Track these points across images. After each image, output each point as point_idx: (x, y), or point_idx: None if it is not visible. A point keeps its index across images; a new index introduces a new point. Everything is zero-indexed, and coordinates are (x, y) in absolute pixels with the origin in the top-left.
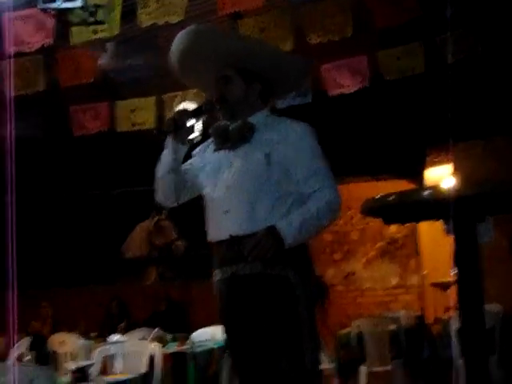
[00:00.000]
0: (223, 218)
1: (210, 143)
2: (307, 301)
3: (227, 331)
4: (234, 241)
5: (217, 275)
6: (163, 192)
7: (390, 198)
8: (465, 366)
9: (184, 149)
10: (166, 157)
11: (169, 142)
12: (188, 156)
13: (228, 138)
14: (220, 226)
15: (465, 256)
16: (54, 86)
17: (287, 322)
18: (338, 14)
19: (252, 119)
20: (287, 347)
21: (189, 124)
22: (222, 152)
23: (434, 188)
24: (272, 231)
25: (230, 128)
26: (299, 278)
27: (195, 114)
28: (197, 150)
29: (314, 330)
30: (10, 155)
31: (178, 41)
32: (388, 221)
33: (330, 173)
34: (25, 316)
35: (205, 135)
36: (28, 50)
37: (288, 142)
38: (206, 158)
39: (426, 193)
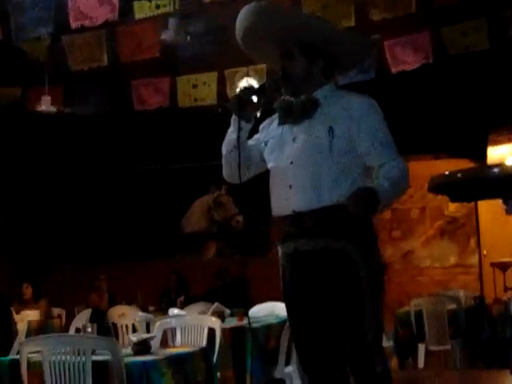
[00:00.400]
0: (287, 192)
1: (274, 119)
2: (370, 278)
3: (289, 307)
4: (297, 216)
5: (280, 250)
6: (229, 169)
7: (458, 175)
8: None
9: (248, 126)
10: (231, 134)
11: (233, 119)
12: (254, 131)
13: (292, 113)
14: (284, 201)
15: None
16: (116, 61)
17: (348, 298)
18: None
19: (315, 94)
20: (349, 324)
21: (253, 101)
22: (285, 126)
23: (502, 165)
24: (370, 190)
25: (294, 103)
26: (362, 254)
27: (259, 91)
28: (262, 125)
29: (376, 307)
30: None
31: (242, 17)
32: (454, 198)
33: (395, 145)
34: (84, 289)
35: (270, 112)
36: (91, 25)
37: (352, 115)
38: (270, 132)
39: (494, 170)
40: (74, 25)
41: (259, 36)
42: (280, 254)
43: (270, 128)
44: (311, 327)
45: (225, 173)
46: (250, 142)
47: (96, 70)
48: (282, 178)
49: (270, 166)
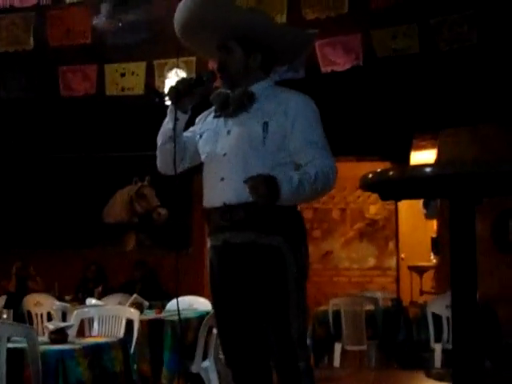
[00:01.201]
0: (218, 185)
1: (211, 111)
2: (297, 272)
3: (215, 298)
4: (227, 209)
5: (209, 242)
6: (164, 160)
7: (390, 173)
8: (454, 346)
9: (185, 117)
10: (167, 124)
11: (170, 109)
12: (190, 124)
13: (228, 106)
14: (215, 193)
15: (461, 236)
16: (45, 46)
17: (275, 292)
18: None
19: (252, 88)
20: (274, 317)
21: (191, 92)
22: (221, 119)
23: (435, 165)
24: (270, 179)
25: (231, 95)
26: (291, 248)
27: (197, 82)
28: (198, 117)
29: (302, 302)
30: None
31: (180, 8)
32: (384, 197)
33: (327, 145)
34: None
35: (206, 103)
36: (21, 6)
37: (287, 112)
38: (205, 125)
39: (427, 170)
40: (1, 3)
41: (197, 28)
42: (209, 246)
43: (206, 120)
44: (237, 320)
45: (159, 164)
46: (186, 133)
47: (22, 53)
48: (214, 170)
49: (203, 158)
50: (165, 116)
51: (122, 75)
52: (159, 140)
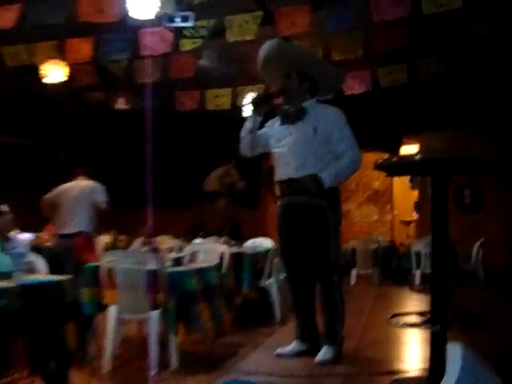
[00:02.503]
0: (285, 166)
1: (275, 120)
2: (334, 222)
3: (281, 239)
4: (291, 181)
5: (278, 202)
6: (245, 146)
7: (393, 159)
8: (433, 270)
9: (259, 119)
10: (248, 123)
11: (251, 115)
12: (261, 126)
13: (289, 117)
14: (283, 172)
15: (439, 199)
16: (168, 79)
17: (320, 234)
18: (353, 42)
19: (304, 105)
20: (318, 249)
21: (264, 103)
22: (284, 126)
23: (424, 153)
24: (316, 177)
25: (290, 110)
26: (330, 207)
27: (267, 97)
28: (267, 124)
29: (337, 240)
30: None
31: (264, 48)
32: (389, 174)
33: (355, 140)
34: (137, 225)
35: (272, 113)
36: (154, 54)
37: (328, 119)
38: (274, 129)
39: (418, 156)
40: (143, 52)
41: (270, 63)
42: (277, 205)
43: (274, 126)
44: (294, 250)
45: (241, 149)
46: (259, 132)
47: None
48: (282, 157)
49: (274, 151)
50: (242, 123)
51: (216, 96)
52: (242, 133)
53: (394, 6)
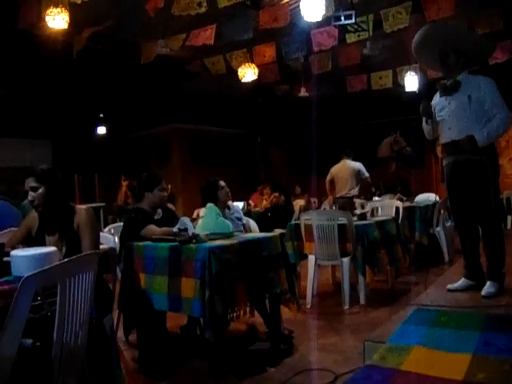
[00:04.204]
0: (448, 131)
1: (436, 95)
2: (493, 174)
3: (449, 192)
4: (453, 142)
5: (444, 161)
6: (428, 134)
7: None
8: None
9: (431, 117)
10: (424, 123)
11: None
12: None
13: (447, 90)
14: (446, 135)
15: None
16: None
17: (482, 185)
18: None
19: (459, 77)
20: (481, 198)
21: (429, 108)
22: (444, 97)
23: None
24: (472, 138)
25: (447, 83)
26: (489, 161)
27: (426, 105)
28: (433, 98)
29: (496, 189)
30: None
31: (421, 33)
32: None
33: (504, 103)
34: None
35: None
36: (324, 48)
37: (480, 87)
38: (436, 100)
39: None
40: (315, 49)
41: (425, 46)
42: (444, 164)
43: (436, 98)
44: (462, 201)
45: (426, 135)
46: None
47: (325, 73)
48: (445, 124)
49: (438, 119)
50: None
51: (380, 78)
52: (423, 124)
53: None
